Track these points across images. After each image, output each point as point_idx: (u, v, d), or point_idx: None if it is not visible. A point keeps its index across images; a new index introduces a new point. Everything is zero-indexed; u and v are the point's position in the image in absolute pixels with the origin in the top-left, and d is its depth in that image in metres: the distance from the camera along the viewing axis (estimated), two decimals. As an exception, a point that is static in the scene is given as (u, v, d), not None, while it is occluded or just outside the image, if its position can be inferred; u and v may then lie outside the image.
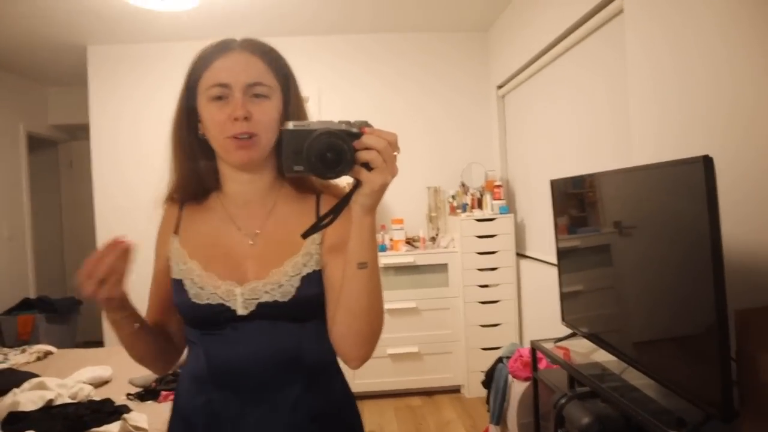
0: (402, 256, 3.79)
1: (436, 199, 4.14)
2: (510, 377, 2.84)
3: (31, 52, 4.17)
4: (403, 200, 4.12)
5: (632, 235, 1.78)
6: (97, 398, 2.37)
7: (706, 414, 1.34)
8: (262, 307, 0.97)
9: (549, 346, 2.32)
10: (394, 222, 3.96)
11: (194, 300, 0.97)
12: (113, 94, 4.18)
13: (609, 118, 2.52)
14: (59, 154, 5.71)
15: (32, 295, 4.76)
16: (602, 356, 2.03)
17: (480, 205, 3.89)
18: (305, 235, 0.92)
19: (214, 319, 0.97)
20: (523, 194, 3.85)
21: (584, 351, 2.20)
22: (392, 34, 4.25)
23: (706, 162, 1.29)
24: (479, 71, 4.30)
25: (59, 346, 3.48)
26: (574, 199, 2.26)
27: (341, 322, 0.94)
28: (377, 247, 0.91)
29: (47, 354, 3.25)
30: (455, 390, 3.85)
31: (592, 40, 2.66)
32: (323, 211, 0.94)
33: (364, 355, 0.95)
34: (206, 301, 0.97)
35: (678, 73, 1.89)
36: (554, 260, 2.47)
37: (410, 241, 4.04)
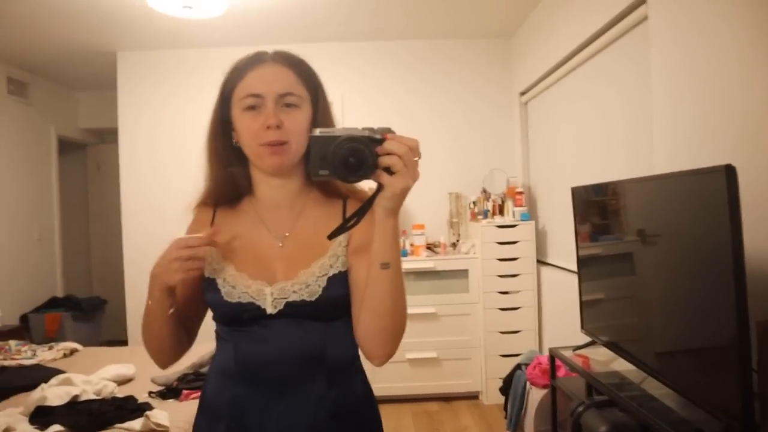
0: (422, 262, 3.79)
1: (458, 204, 4.14)
2: (528, 384, 2.84)
3: (63, 58, 4.29)
4: (425, 206, 4.13)
5: (655, 244, 1.77)
6: (120, 395, 2.41)
7: (726, 425, 1.33)
8: (289, 306, 1.00)
9: (568, 353, 2.31)
10: (415, 227, 3.97)
11: (226, 298, 1.02)
12: (141, 99, 4.28)
13: (631, 126, 2.50)
14: (87, 157, 5.83)
15: (60, 294, 4.88)
16: (621, 365, 2.02)
17: (501, 212, 3.87)
18: (331, 237, 0.97)
19: (245, 316, 1.01)
20: (545, 201, 3.83)
21: (603, 360, 2.19)
22: (417, 41, 4.28)
23: (729, 171, 1.28)
24: (502, 78, 4.30)
25: (84, 343, 3.56)
26: (596, 207, 2.25)
27: (366, 321, 0.97)
28: (400, 249, 0.94)
29: (73, 351, 3.32)
30: (473, 396, 3.84)
31: (615, 47, 2.65)
32: (349, 214, 0.98)
33: (388, 353, 0.99)
34: (237, 300, 1.01)
35: (703, 81, 1.88)
36: (575, 268, 2.46)
37: (431, 247, 4.05)
